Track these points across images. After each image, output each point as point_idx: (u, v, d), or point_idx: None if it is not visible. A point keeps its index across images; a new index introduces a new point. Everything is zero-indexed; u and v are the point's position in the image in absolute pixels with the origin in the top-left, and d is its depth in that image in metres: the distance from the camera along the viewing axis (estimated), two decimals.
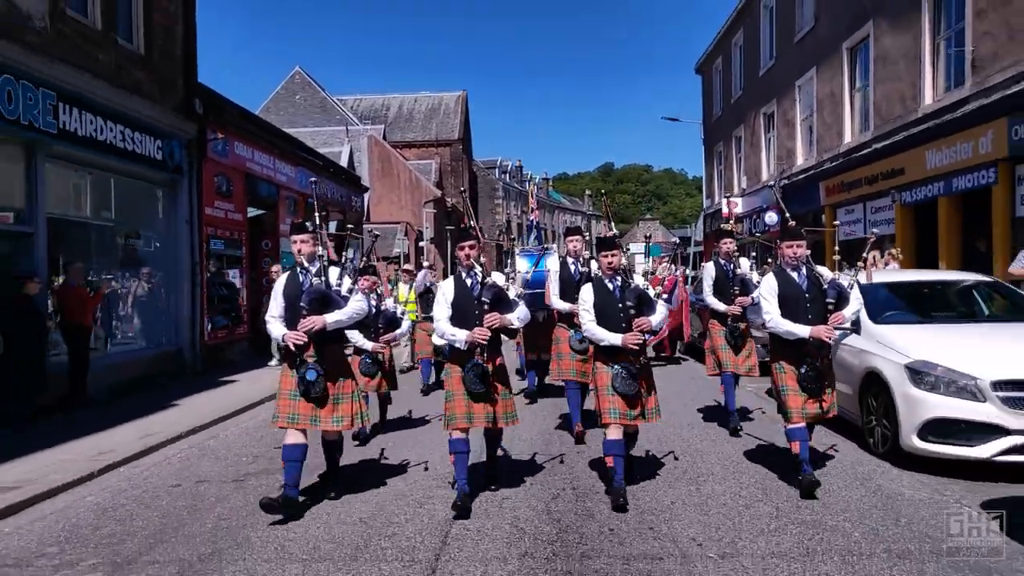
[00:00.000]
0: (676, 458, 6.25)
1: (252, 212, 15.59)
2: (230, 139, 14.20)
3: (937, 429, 5.49)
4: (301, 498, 5.11)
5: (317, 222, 5.34)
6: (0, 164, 8.95)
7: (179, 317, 12.57)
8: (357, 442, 7.07)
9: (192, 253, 12.77)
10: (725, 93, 27.77)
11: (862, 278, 5.62)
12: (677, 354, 13.52)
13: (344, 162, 29.67)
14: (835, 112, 17.50)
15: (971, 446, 5.34)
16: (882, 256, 12.17)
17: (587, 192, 30.65)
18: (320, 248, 5.21)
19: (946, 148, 12.36)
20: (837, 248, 10.11)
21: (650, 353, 6.53)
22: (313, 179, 5.63)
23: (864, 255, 6.05)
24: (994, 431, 5.24)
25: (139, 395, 10.14)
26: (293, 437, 5.02)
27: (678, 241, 30.96)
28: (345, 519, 4.95)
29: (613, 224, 6.42)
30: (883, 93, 15.00)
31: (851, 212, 16.73)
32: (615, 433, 5.10)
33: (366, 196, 27.71)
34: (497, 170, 58.63)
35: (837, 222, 17.04)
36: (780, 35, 21.28)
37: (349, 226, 8.37)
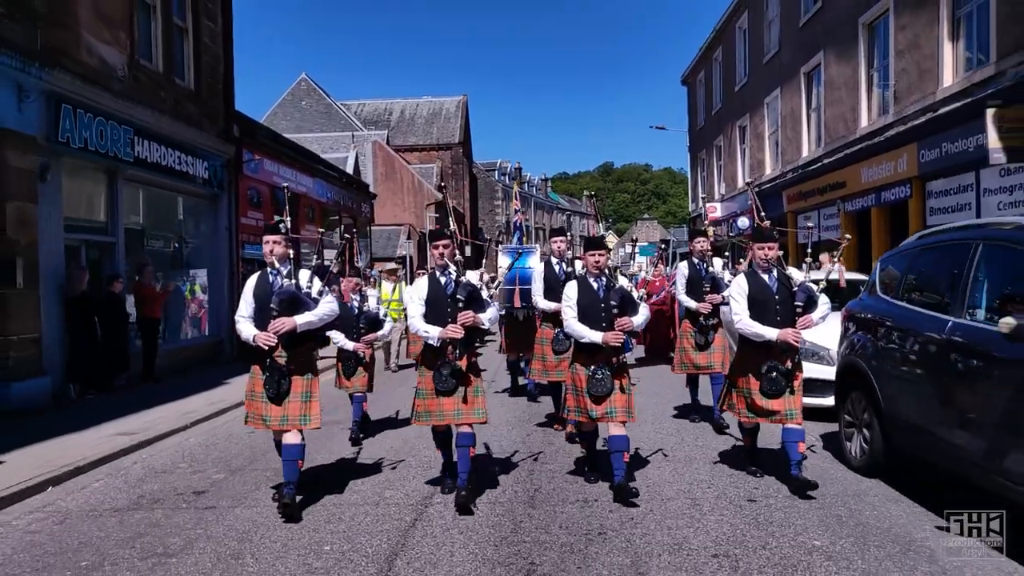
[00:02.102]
0: (665, 455, 6.50)
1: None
2: (260, 157, 16.36)
3: (804, 387, 7.55)
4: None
5: (288, 224, 5.31)
6: (90, 186, 11.10)
7: (220, 312, 14.69)
8: (358, 447, 7.23)
9: (231, 256, 14.92)
10: (707, 104, 29.80)
11: (835, 275, 6.02)
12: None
13: (350, 167, 31.70)
14: (795, 129, 19.61)
15: (822, 398, 7.48)
16: (832, 258, 14.18)
17: (586, 193, 32.84)
18: (291, 250, 5.22)
19: (876, 166, 14.49)
20: (810, 250, 11.69)
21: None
22: (285, 185, 6.50)
23: (835, 255, 6.85)
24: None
25: (194, 376, 12.28)
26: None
27: (661, 240, 33.05)
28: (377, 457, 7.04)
29: (601, 225, 6.79)
30: (831, 114, 17.11)
31: (808, 219, 18.79)
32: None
33: (373, 201, 29.82)
34: (497, 172, 60.60)
35: (811, 223, 18.83)
36: (752, 55, 23.31)
37: (331, 229, 9.64)
